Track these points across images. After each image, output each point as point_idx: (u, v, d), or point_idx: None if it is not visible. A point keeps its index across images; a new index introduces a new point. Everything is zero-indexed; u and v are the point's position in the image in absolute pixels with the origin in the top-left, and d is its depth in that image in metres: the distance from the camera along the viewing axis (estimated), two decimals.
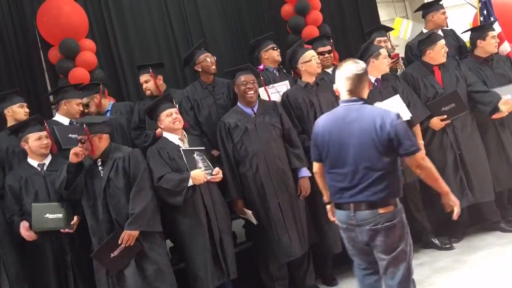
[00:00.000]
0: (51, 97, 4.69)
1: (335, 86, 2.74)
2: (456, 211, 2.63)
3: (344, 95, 2.67)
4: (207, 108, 4.09)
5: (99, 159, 3.44)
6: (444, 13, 4.78)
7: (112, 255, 3.26)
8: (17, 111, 3.86)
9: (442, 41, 4.22)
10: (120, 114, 4.24)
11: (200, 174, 3.45)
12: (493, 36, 4.34)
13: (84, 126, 3.36)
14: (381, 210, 2.53)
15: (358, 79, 2.62)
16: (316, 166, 2.82)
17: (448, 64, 4.28)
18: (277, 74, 4.35)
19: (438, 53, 4.20)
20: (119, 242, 3.27)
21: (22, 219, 3.50)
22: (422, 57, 4.31)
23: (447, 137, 4.17)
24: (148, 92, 4.21)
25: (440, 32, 4.65)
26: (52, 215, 3.46)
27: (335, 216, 2.75)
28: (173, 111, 3.62)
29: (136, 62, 5.27)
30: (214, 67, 4.21)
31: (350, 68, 2.64)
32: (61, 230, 3.49)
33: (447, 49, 4.25)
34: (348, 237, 2.69)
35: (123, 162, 3.39)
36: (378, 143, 2.50)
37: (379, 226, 2.53)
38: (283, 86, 4.13)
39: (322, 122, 2.71)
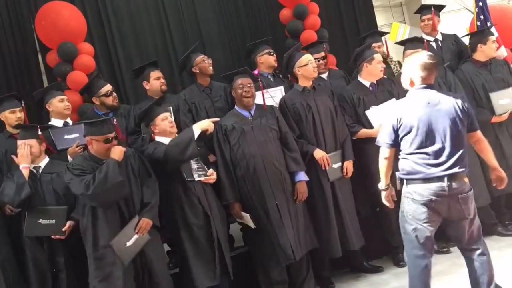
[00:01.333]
0: None
1: (407, 75, 3.02)
2: (503, 184, 3.14)
3: (418, 82, 2.98)
4: (204, 111, 4.11)
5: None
6: (429, 19, 4.73)
7: (127, 244, 3.22)
8: (8, 117, 3.87)
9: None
10: (121, 116, 4.27)
11: (206, 121, 3.54)
12: (493, 40, 4.38)
13: (113, 119, 3.51)
14: (466, 180, 2.96)
15: (432, 68, 2.95)
16: (388, 152, 3.05)
17: None
18: (272, 80, 4.35)
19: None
20: (135, 231, 3.25)
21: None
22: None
23: None
24: (165, 87, 4.27)
25: (439, 36, 4.67)
26: (45, 220, 3.45)
27: (412, 193, 2.96)
28: (168, 115, 3.63)
29: (134, 66, 5.27)
30: (211, 68, 4.24)
31: (423, 57, 2.96)
32: (52, 236, 3.48)
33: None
34: (432, 210, 2.92)
35: (133, 159, 3.43)
36: (460, 122, 2.91)
37: (466, 194, 2.94)
38: (278, 92, 4.13)
39: (403, 108, 2.97)
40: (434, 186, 2.90)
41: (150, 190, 3.41)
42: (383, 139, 3.05)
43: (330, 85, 4.38)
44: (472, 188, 4.08)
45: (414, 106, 2.95)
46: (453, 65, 4.54)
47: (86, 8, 5.24)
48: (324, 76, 4.54)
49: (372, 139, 4.00)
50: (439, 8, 4.82)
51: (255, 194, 3.68)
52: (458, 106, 2.91)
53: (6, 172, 3.70)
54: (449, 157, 2.89)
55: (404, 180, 3.01)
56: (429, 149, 2.90)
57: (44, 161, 3.65)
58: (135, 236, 3.26)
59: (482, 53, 4.41)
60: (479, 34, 4.48)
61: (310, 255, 3.88)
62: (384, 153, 3.07)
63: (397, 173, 3.07)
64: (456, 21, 5.72)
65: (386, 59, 4.68)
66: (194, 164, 3.52)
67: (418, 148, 2.92)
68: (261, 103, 3.89)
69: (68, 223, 3.47)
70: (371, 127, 4.02)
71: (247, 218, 3.65)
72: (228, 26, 5.93)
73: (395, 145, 3.02)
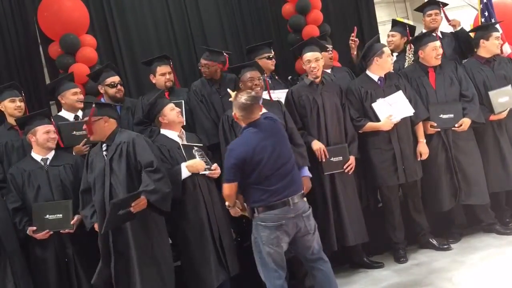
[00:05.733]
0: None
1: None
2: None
3: (243, 122, 3.15)
4: (213, 105, 4.13)
5: (105, 143, 3.41)
6: (437, 13, 4.75)
7: (120, 212, 3.15)
8: (8, 106, 3.87)
9: (434, 43, 4.21)
10: (128, 110, 4.28)
11: (196, 161, 3.46)
12: (497, 37, 4.34)
13: (93, 106, 3.38)
14: (305, 199, 3.22)
15: (250, 107, 3.09)
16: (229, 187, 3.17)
17: (444, 66, 4.28)
18: (270, 82, 4.31)
19: (429, 55, 4.20)
20: (132, 204, 3.16)
21: (28, 223, 3.49)
22: (419, 58, 4.32)
23: (439, 137, 4.18)
24: (169, 84, 4.26)
25: (439, 33, 4.66)
26: (51, 215, 3.46)
27: (264, 219, 3.11)
28: (174, 106, 3.64)
29: (137, 59, 5.28)
30: (208, 72, 4.23)
31: (241, 99, 3.09)
32: (61, 231, 3.49)
33: (441, 52, 4.23)
34: (282, 232, 3.09)
35: (127, 146, 3.34)
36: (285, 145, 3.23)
37: (308, 211, 3.18)
38: (283, 94, 4.10)
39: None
40: (281, 210, 3.03)
41: (155, 175, 3.27)
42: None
43: (335, 78, 4.38)
44: (473, 187, 4.16)
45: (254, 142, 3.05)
46: (457, 61, 4.52)
47: (89, 0, 5.20)
48: (329, 70, 4.54)
49: (376, 133, 4.03)
50: (444, 4, 4.80)
51: None
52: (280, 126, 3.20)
53: (7, 165, 3.70)
54: (287, 182, 3.07)
55: (255, 208, 3.09)
56: (271, 178, 3.04)
57: (51, 153, 3.65)
58: (127, 210, 3.16)
59: (485, 49, 4.38)
60: (482, 30, 4.45)
61: None
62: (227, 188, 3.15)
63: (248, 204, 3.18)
64: (460, 17, 5.68)
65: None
66: (199, 158, 3.52)
67: (263, 178, 3.05)
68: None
69: (76, 217, 3.49)
70: (377, 120, 4.02)
71: (249, 209, 3.65)
72: (230, 21, 5.90)
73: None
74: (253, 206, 3.13)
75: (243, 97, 3.09)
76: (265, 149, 3.04)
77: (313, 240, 3.19)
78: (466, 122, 4.12)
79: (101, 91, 4.28)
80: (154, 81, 4.31)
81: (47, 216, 3.46)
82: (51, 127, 3.65)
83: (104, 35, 5.35)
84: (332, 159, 3.87)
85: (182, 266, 3.67)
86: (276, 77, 4.59)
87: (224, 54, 4.27)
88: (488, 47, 4.38)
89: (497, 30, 4.38)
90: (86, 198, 3.44)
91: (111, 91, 4.23)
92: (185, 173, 3.45)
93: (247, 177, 3.06)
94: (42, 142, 3.60)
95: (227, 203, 3.26)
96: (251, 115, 3.10)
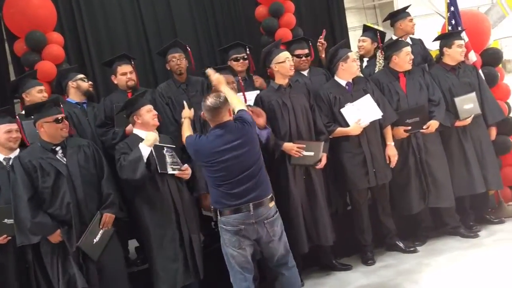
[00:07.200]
0: None
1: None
2: None
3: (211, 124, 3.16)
4: (181, 106, 4.07)
5: (59, 146, 3.40)
6: (411, 20, 4.87)
7: (95, 240, 3.29)
8: None
9: (408, 48, 4.30)
10: (94, 108, 4.19)
11: (148, 133, 3.47)
12: (459, 44, 4.44)
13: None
14: (271, 205, 3.19)
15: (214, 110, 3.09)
16: None
17: (413, 72, 4.37)
18: (242, 84, 4.30)
19: (403, 60, 4.28)
20: (100, 227, 3.32)
21: None
22: (389, 63, 4.39)
23: (409, 141, 4.26)
24: (131, 83, 4.17)
25: (408, 40, 4.75)
26: (9, 220, 3.32)
27: (225, 223, 3.14)
28: (152, 107, 3.64)
29: (105, 58, 5.16)
30: (180, 68, 4.23)
31: (206, 101, 3.09)
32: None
33: (413, 57, 4.33)
34: (242, 236, 3.10)
35: (88, 149, 3.46)
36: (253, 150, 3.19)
37: (272, 218, 3.16)
38: (254, 95, 4.08)
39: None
40: (240, 215, 3.04)
41: (109, 182, 3.44)
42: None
43: (310, 82, 4.39)
44: (441, 190, 4.24)
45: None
46: (424, 69, 4.62)
47: None
48: (305, 73, 4.55)
49: (346, 137, 4.06)
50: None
51: None
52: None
53: None
54: (249, 187, 3.06)
55: (218, 211, 3.12)
56: (232, 182, 3.05)
57: (15, 152, 3.54)
58: (101, 232, 3.32)
59: (449, 56, 4.48)
60: (445, 38, 4.55)
61: None
62: None
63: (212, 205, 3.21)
64: (429, 25, 5.81)
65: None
66: (169, 158, 3.50)
67: (222, 181, 3.06)
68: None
69: None
70: (346, 125, 4.06)
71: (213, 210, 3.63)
72: (202, 21, 5.86)
73: None
74: (214, 207, 3.15)
75: (211, 99, 3.08)
76: (226, 152, 3.03)
77: (277, 247, 3.18)
78: (433, 124, 4.21)
79: (73, 86, 4.14)
80: (115, 82, 4.22)
81: (5, 220, 3.33)
82: (13, 126, 3.52)
83: (72, 33, 5.24)
84: (304, 152, 3.87)
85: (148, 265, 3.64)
86: (254, 77, 4.57)
87: (187, 48, 4.34)
88: (451, 55, 4.48)
89: (460, 38, 4.47)
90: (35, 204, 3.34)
91: (85, 85, 4.14)
92: (144, 149, 3.42)
93: (208, 175, 3.12)
94: (3, 142, 3.48)
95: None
96: (217, 117, 3.10)
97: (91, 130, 4.05)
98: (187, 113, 3.62)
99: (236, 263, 3.11)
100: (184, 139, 3.32)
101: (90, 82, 4.24)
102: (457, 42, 4.45)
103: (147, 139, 3.45)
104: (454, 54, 4.46)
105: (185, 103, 3.72)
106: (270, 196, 3.16)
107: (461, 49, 4.45)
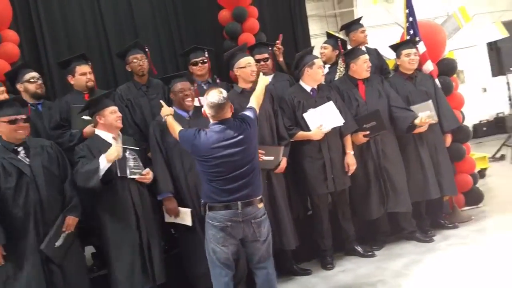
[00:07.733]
0: None
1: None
2: None
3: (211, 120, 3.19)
4: (140, 108, 4.04)
5: (21, 146, 3.29)
6: (363, 31, 5.01)
7: (56, 244, 3.22)
8: None
9: (365, 56, 4.40)
10: (49, 109, 4.07)
11: (112, 149, 3.34)
12: (407, 53, 4.54)
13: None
14: (260, 205, 3.20)
15: (218, 107, 3.12)
16: None
17: (372, 79, 4.46)
18: (205, 88, 4.27)
19: (360, 67, 4.37)
20: (63, 230, 3.25)
21: None
22: (348, 71, 4.47)
23: (369, 147, 4.34)
24: (91, 84, 4.06)
25: (364, 49, 4.85)
26: None
27: (212, 218, 3.15)
28: (116, 109, 3.57)
29: (63, 57, 4.99)
30: (142, 69, 4.18)
31: (210, 97, 3.11)
32: None
33: (370, 64, 4.43)
34: (228, 234, 3.11)
35: (52, 149, 3.39)
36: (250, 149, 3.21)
37: (259, 218, 3.16)
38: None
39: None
40: (228, 212, 3.06)
41: (72, 185, 3.37)
42: None
43: (273, 87, 4.41)
44: (399, 195, 4.34)
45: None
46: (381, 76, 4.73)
47: None
48: (269, 78, 4.55)
49: (308, 142, 4.10)
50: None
51: (189, 193, 3.64)
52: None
53: None
54: (240, 185, 3.08)
55: (207, 206, 3.14)
56: (225, 178, 3.08)
57: None
58: (63, 235, 3.25)
59: (401, 66, 4.61)
60: (394, 48, 4.68)
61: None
62: None
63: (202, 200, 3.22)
64: (387, 35, 5.95)
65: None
66: (131, 162, 3.44)
67: (216, 176, 3.09)
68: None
69: None
70: (308, 130, 4.09)
71: (184, 214, 3.58)
72: (164, 24, 5.77)
73: None
74: (204, 201, 3.14)
75: (214, 96, 3.10)
76: (223, 149, 3.04)
77: (261, 248, 3.19)
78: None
79: (21, 89, 4.01)
80: (72, 82, 4.10)
81: None
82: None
83: (28, 31, 5.02)
84: (263, 157, 3.88)
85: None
86: (218, 81, 4.54)
87: (146, 50, 4.32)
88: (401, 64, 4.62)
89: (407, 47, 4.59)
90: None
91: (32, 87, 4.00)
92: (103, 163, 3.32)
93: (202, 170, 3.11)
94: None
95: None
96: (220, 113, 3.12)
97: (46, 132, 3.92)
98: (168, 110, 3.58)
99: (218, 259, 3.12)
100: (176, 134, 3.30)
101: (39, 83, 4.07)
102: (405, 51, 4.58)
103: (110, 154, 3.33)
104: (403, 63, 4.61)
105: (162, 102, 3.68)
106: (260, 197, 3.17)
107: (409, 58, 4.57)
